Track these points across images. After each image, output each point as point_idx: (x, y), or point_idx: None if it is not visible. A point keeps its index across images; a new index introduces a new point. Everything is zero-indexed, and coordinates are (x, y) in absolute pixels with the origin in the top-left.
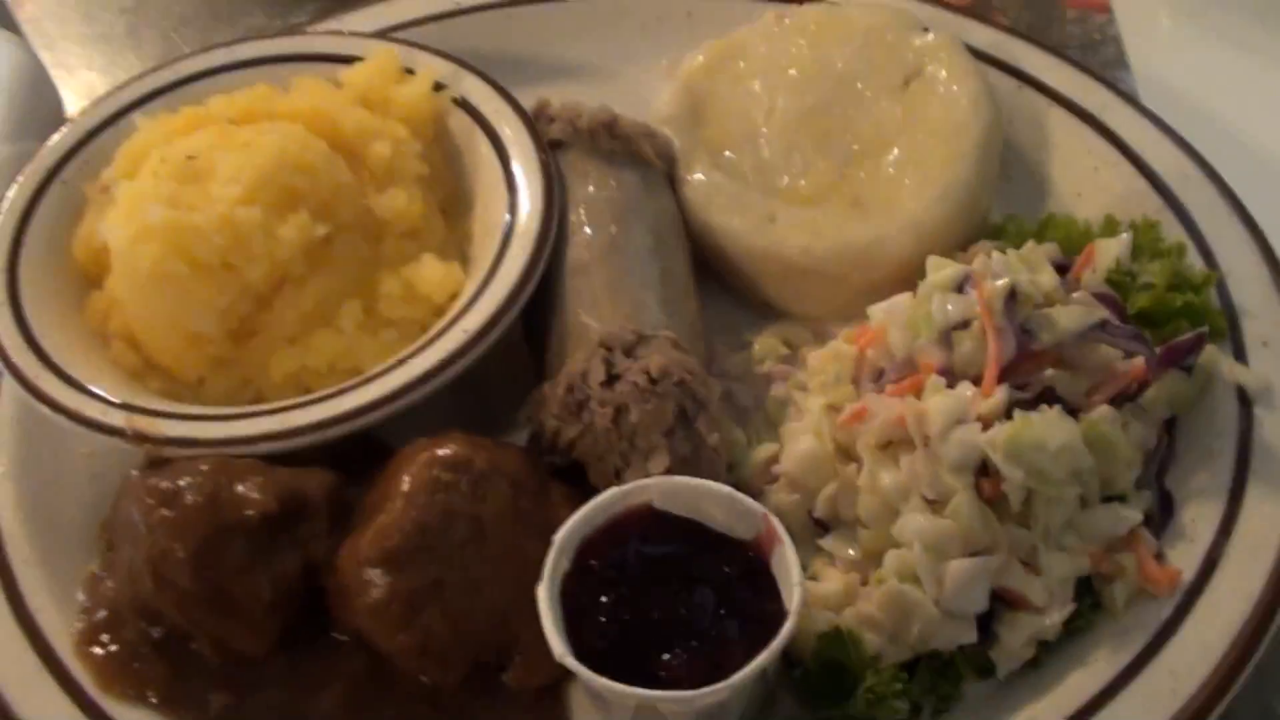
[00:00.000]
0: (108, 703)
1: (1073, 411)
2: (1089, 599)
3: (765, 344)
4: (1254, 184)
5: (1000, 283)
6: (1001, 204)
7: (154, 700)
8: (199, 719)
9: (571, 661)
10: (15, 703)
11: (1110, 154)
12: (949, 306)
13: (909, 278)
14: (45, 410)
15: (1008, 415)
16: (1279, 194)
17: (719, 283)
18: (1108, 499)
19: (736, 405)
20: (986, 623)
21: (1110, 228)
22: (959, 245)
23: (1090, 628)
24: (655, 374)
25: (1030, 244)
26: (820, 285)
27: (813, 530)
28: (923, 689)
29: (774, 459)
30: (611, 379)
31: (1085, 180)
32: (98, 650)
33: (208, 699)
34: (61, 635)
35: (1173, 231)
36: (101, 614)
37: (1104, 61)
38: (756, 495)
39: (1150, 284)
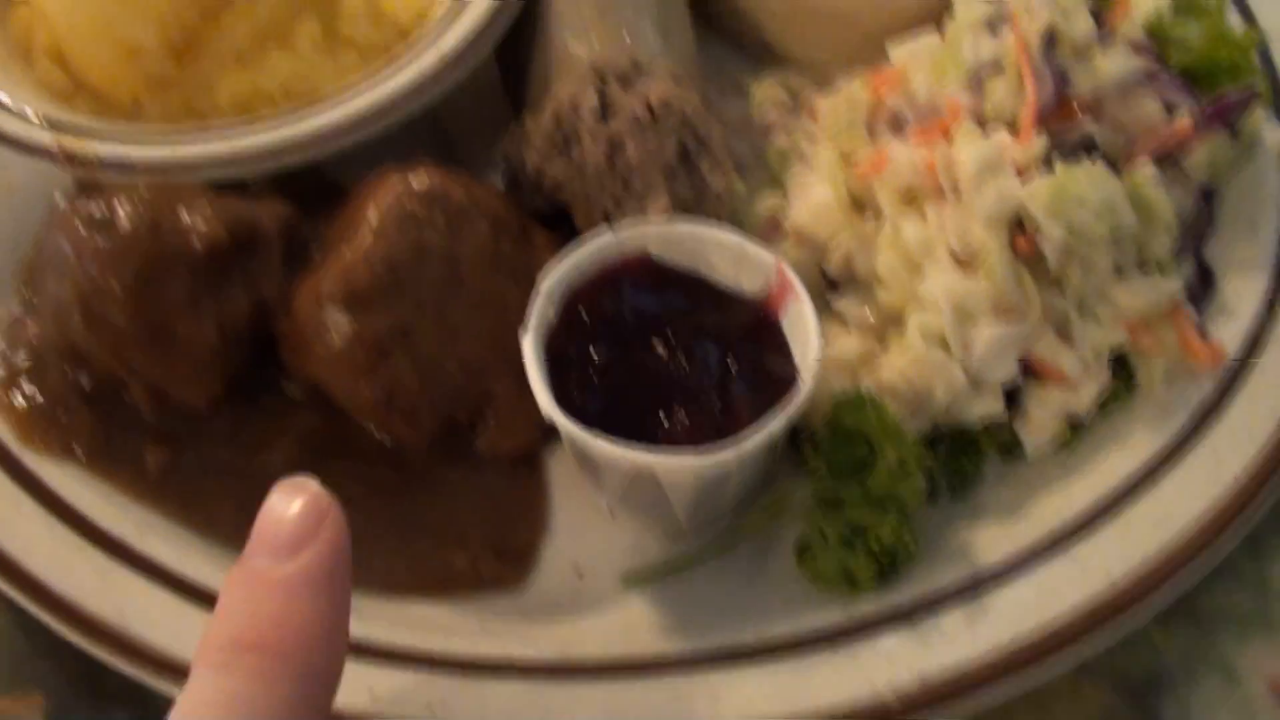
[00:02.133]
0: (28, 458)
1: (1113, 170)
2: (1124, 375)
3: (764, 91)
4: None
5: (1038, 21)
6: None
7: (81, 455)
8: (131, 477)
9: (560, 417)
10: None
11: None
12: (981, 47)
13: (924, 20)
14: None
15: (1045, 166)
16: None
17: (710, 23)
18: (1144, 269)
19: (735, 156)
20: (1012, 397)
21: None
22: None
23: (1125, 406)
24: (656, 106)
25: None
26: (828, 26)
27: (824, 289)
28: (942, 465)
29: (779, 211)
30: (605, 111)
31: None
32: (18, 400)
33: (142, 455)
34: None
35: None
36: (21, 359)
37: None
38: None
39: (1185, 42)
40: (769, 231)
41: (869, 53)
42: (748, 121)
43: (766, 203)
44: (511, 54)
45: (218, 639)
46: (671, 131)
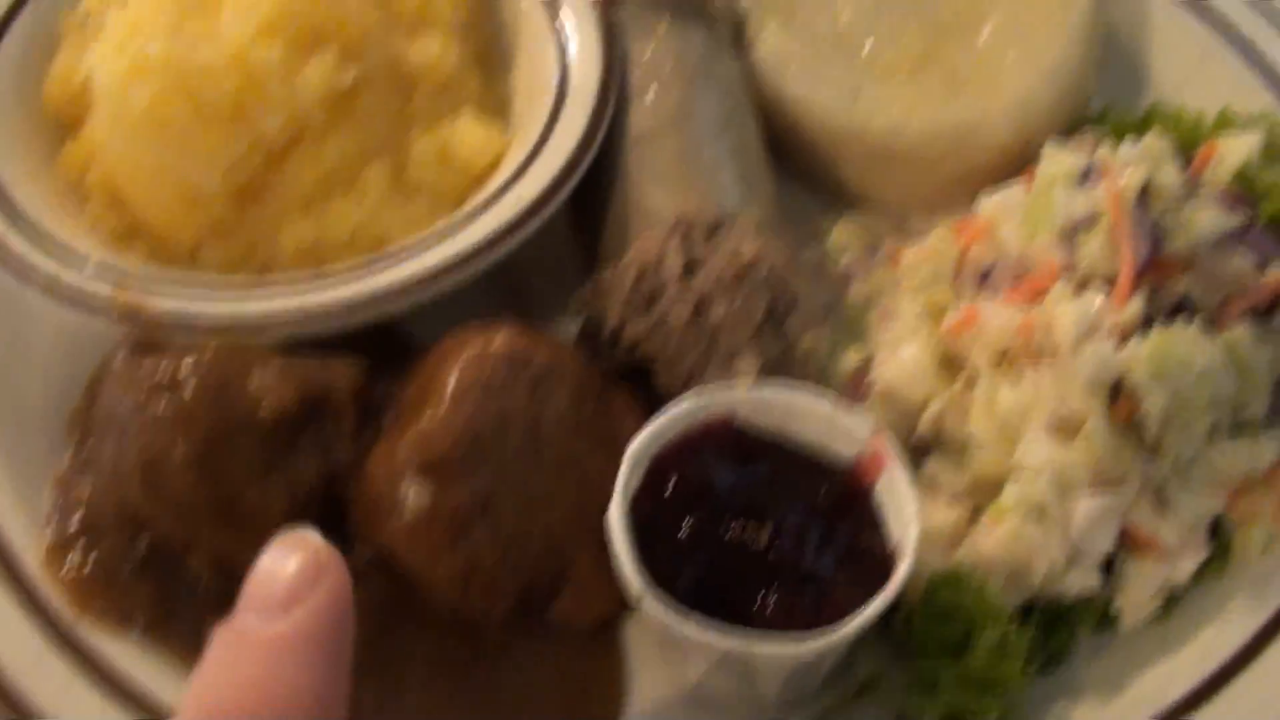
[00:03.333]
0: (83, 630)
1: (1205, 328)
2: (1220, 543)
3: (843, 235)
4: None
5: (1132, 176)
6: (1098, 92)
7: (139, 627)
8: (191, 650)
9: (653, 602)
10: None
11: (1216, 41)
12: (1074, 201)
13: (1004, 165)
14: (13, 276)
15: (1143, 328)
16: None
17: (787, 163)
18: (1238, 430)
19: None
20: (1107, 567)
21: (1226, 122)
22: (1061, 133)
23: (1222, 577)
24: (745, 263)
25: (1152, 134)
26: (908, 171)
27: (910, 456)
28: (1035, 640)
29: (863, 369)
30: (690, 266)
31: (1189, 69)
32: (71, 567)
33: (202, 627)
34: (27, 548)
35: None
36: (75, 523)
37: None
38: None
39: (1273, 188)
40: (853, 389)
41: (949, 197)
42: (825, 267)
43: (850, 358)
44: (585, 201)
45: (194, 706)
46: (760, 290)
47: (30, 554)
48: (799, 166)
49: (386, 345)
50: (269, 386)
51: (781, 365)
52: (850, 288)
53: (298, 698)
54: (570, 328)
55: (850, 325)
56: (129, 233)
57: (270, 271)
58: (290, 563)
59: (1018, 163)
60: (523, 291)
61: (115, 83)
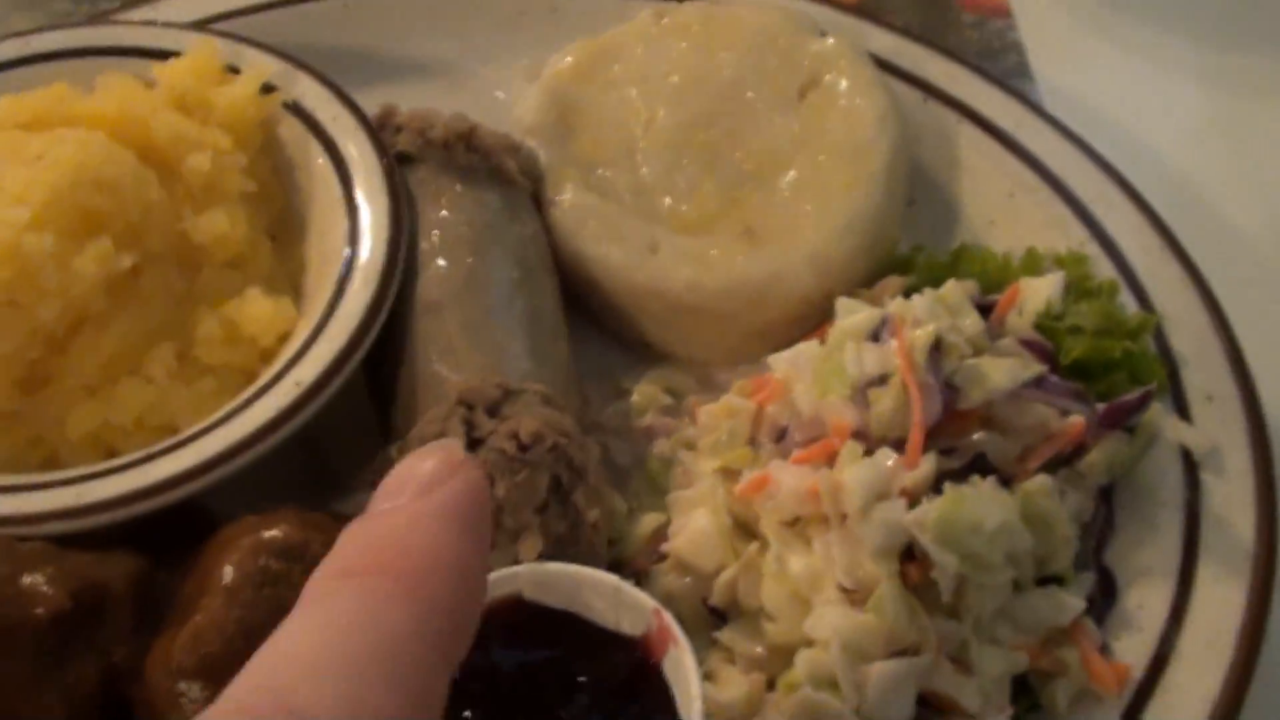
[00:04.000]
0: None
1: (1004, 481)
2: (1026, 700)
3: (645, 392)
4: (1172, 208)
5: (923, 331)
6: (907, 232)
7: None
8: None
9: None
10: None
11: (1027, 177)
12: (864, 359)
13: (807, 317)
14: None
15: (935, 488)
16: (1197, 217)
17: (590, 320)
18: (1043, 581)
19: (614, 465)
20: None
21: (1033, 262)
22: (865, 281)
23: None
24: (525, 439)
25: (951, 283)
26: (708, 325)
27: (708, 620)
28: None
29: (661, 532)
30: (473, 444)
31: (999, 206)
32: None
33: None
34: None
35: (1101, 267)
36: None
37: (1005, 71)
38: (641, 577)
39: (1080, 328)
40: (649, 553)
41: (752, 349)
42: (629, 425)
43: (646, 523)
44: (379, 372)
45: (321, 573)
46: (543, 465)
47: None
48: (602, 323)
49: (178, 525)
50: (42, 587)
51: (569, 537)
52: (654, 446)
53: (438, 555)
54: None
55: (652, 485)
56: None
57: (58, 461)
58: (426, 462)
59: (820, 313)
60: (323, 462)
61: None
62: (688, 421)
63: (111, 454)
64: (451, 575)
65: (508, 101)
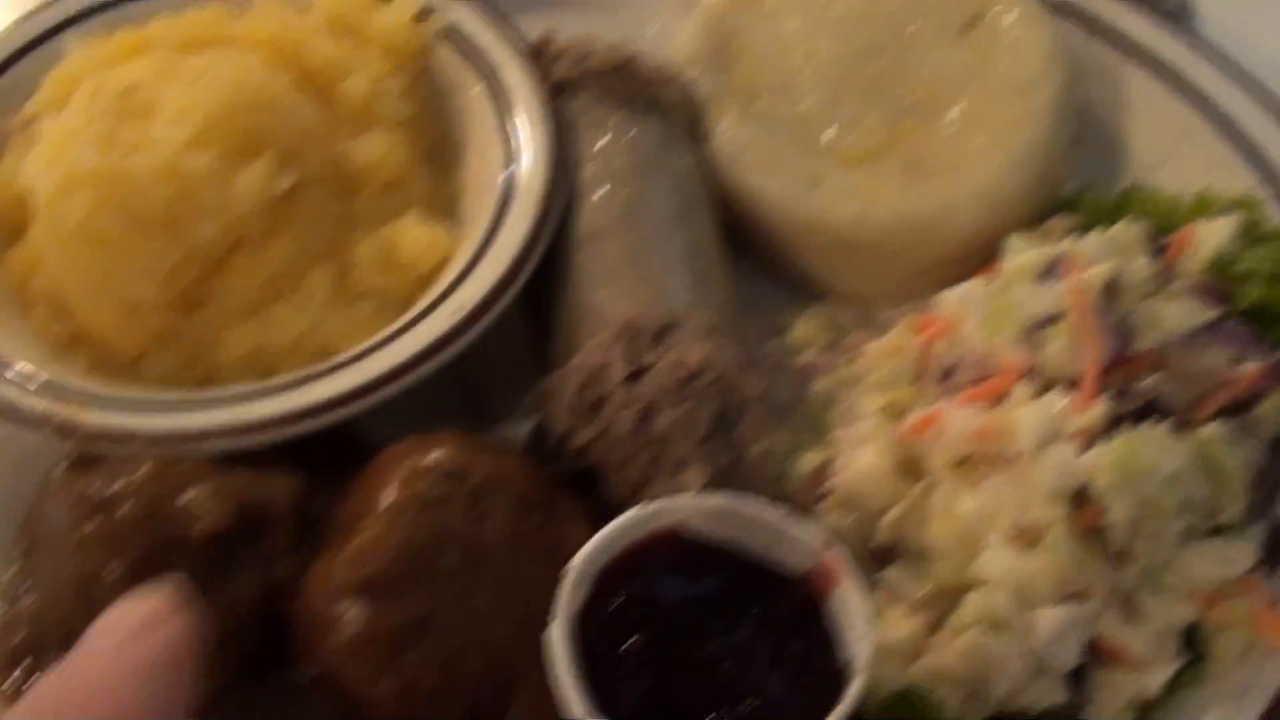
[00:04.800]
0: None
1: (1177, 427)
2: (1194, 651)
3: (805, 329)
4: None
5: (1096, 271)
6: (1072, 173)
7: None
8: None
9: None
10: None
11: (1194, 118)
12: (1036, 298)
13: (972, 255)
14: None
15: (1106, 432)
16: None
17: (748, 254)
18: (1213, 532)
19: (773, 402)
20: (1076, 677)
21: (1204, 205)
22: (1032, 220)
23: (1197, 686)
24: (690, 369)
25: (1124, 223)
26: (871, 261)
27: (870, 559)
28: None
29: (823, 470)
30: (636, 373)
31: (1167, 148)
32: (14, 683)
33: None
34: None
35: (1272, 212)
36: (19, 639)
37: (1170, 8)
38: (802, 515)
39: (1253, 273)
40: (811, 491)
41: (916, 287)
42: (787, 362)
43: (808, 460)
44: (537, 301)
45: (13, 714)
46: (707, 396)
47: None
48: (760, 258)
49: (333, 448)
50: (203, 504)
51: (732, 473)
52: (814, 383)
53: (131, 711)
54: (523, 429)
55: (811, 423)
56: (72, 342)
57: (215, 380)
58: (140, 608)
59: (986, 251)
60: (477, 391)
61: (51, 194)
62: (847, 359)
63: (268, 374)
64: None
65: (662, 31)
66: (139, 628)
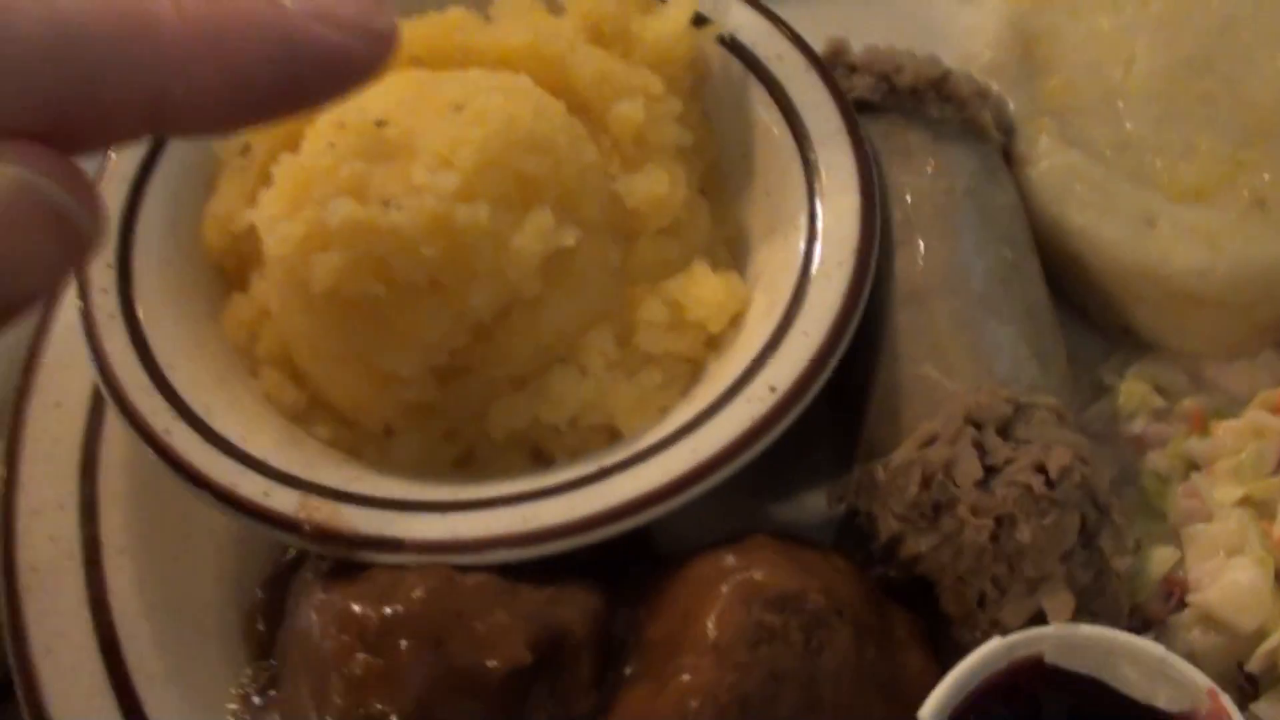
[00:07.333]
0: None
1: None
2: None
3: (1133, 391)
4: None
5: None
6: None
7: None
8: None
9: None
10: None
11: None
12: None
13: None
14: (186, 484)
15: None
16: None
17: (1060, 299)
18: None
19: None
20: None
21: None
22: None
23: None
24: (1052, 473)
25: None
26: (1213, 316)
27: (1240, 687)
28: None
29: (1175, 575)
30: (988, 472)
31: None
32: None
33: None
34: None
35: None
36: None
37: None
38: (1154, 626)
39: None
40: (1164, 598)
41: (1254, 344)
42: (1115, 431)
43: (1158, 562)
44: (842, 368)
45: None
46: (1072, 504)
47: None
48: (1078, 305)
49: (622, 548)
50: (499, 633)
51: (1094, 591)
52: (1146, 458)
53: None
54: (815, 503)
55: (1148, 508)
56: (310, 408)
57: (475, 459)
58: None
59: None
60: (767, 473)
61: (291, 249)
62: (1185, 431)
63: (536, 454)
64: None
65: (940, 29)
66: None
